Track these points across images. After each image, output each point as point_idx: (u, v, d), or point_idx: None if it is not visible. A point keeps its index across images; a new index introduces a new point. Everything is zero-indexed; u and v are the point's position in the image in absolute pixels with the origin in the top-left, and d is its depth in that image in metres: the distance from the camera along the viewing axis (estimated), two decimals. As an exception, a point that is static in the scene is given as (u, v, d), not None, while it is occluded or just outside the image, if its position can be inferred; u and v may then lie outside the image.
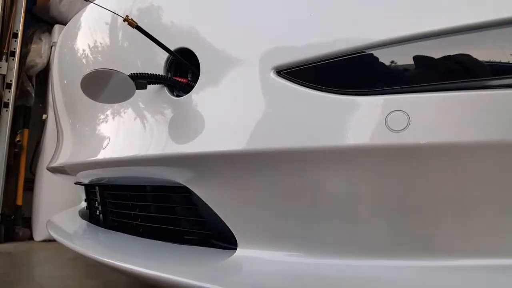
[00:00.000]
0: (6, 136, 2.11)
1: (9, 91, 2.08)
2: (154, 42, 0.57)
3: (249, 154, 0.49)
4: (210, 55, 0.56)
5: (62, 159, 0.89)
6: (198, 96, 0.55)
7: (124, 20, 0.55)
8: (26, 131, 2.31)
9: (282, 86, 0.48)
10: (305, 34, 0.49)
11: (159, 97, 0.62)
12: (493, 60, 0.42)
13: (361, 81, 0.46)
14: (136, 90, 0.56)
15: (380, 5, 0.46)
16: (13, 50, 2.14)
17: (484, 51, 0.43)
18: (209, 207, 0.58)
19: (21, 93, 2.22)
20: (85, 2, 0.84)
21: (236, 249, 0.56)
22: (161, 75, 0.60)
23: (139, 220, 0.82)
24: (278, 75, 0.49)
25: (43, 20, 2.61)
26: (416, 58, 0.44)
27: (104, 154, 0.69)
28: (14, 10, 2.24)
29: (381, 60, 0.45)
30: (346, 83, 0.47)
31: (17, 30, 2.21)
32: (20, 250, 2.07)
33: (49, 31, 2.46)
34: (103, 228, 0.97)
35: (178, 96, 0.60)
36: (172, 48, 0.58)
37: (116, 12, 0.66)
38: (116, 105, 0.71)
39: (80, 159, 0.78)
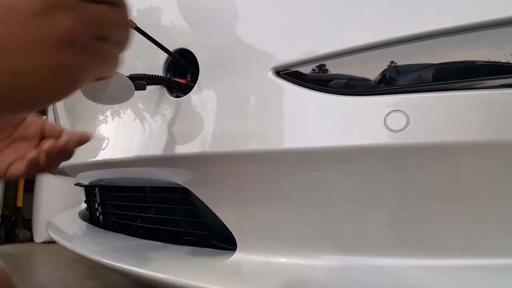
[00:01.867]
0: (6, 137, 2.11)
1: (9, 93, 2.08)
2: (153, 43, 0.57)
3: (248, 155, 0.49)
4: (209, 55, 0.56)
5: (61, 161, 0.89)
6: (197, 96, 0.55)
7: (123, 21, 0.55)
8: (26, 133, 2.31)
9: (281, 87, 0.48)
10: (304, 35, 0.49)
11: (158, 98, 0.62)
12: (493, 60, 0.42)
13: (360, 81, 0.46)
14: (135, 91, 0.56)
15: (379, 5, 0.46)
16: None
17: (484, 51, 0.43)
18: (208, 208, 0.58)
19: (21, 94, 2.22)
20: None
21: (235, 250, 0.56)
22: (160, 76, 0.60)
23: (139, 221, 0.82)
24: (277, 75, 0.49)
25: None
26: (415, 58, 0.44)
27: (103, 155, 0.69)
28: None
29: (380, 60, 0.45)
30: (345, 83, 0.47)
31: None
32: (20, 251, 2.07)
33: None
34: (103, 229, 0.97)
35: (177, 96, 0.60)
36: (171, 49, 0.58)
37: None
38: (115, 106, 0.71)
39: (80, 160, 0.78)
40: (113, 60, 0.30)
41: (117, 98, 0.58)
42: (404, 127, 0.41)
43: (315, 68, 0.48)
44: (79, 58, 0.27)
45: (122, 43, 0.29)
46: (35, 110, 0.28)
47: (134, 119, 0.64)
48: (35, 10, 0.24)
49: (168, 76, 0.61)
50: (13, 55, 0.24)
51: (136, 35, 0.56)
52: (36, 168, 0.43)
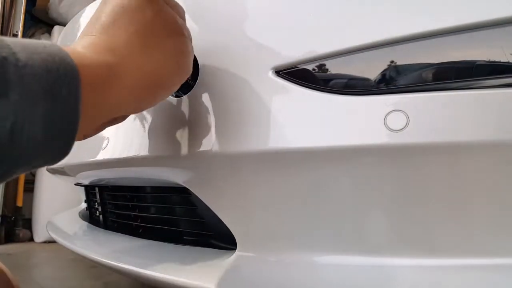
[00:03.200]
0: (6, 137, 2.11)
1: (9, 93, 2.08)
2: (153, 43, 0.57)
3: (247, 155, 0.49)
4: (209, 55, 0.56)
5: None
6: (197, 96, 0.55)
7: (123, 21, 0.55)
8: (26, 132, 2.31)
9: (281, 86, 0.48)
10: (304, 34, 0.49)
11: (158, 98, 0.62)
12: (493, 60, 0.42)
13: (360, 80, 0.46)
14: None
15: (379, 5, 0.46)
16: (12, 51, 2.14)
17: (484, 50, 0.43)
18: (208, 207, 0.58)
19: (21, 94, 2.22)
20: (85, 3, 0.84)
21: (235, 250, 0.56)
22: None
23: (139, 221, 0.82)
24: (277, 75, 0.49)
25: (43, 21, 2.61)
26: (415, 58, 0.44)
27: (103, 154, 0.69)
28: (14, 11, 2.24)
29: (380, 59, 0.45)
30: (345, 83, 0.47)
31: (16, 31, 2.22)
32: (20, 251, 2.08)
33: (49, 32, 2.46)
34: (103, 229, 0.97)
35: (177, 96, 0.60)
36: (171, 48, 0.58)
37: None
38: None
39: (80, 160, 0.78)
40: None
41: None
42: (404, 127, 0.41)
43: (315, 68, 0.48)
44: (190, 44, 0.41)
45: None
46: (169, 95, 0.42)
47: (134, 119, 0.64)
48: (154, 15, 0.36)
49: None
50: (155, 49, 0.35)
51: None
52: None
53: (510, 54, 0.41)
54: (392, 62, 0.45)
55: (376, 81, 0.45)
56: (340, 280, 0.47)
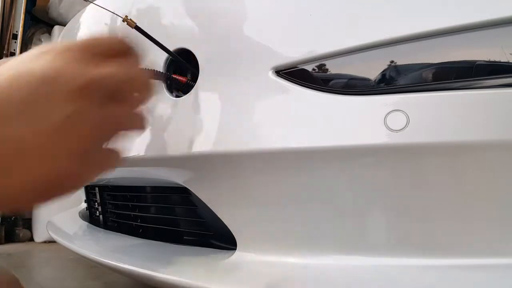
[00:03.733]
0: (6, 137, 2.11)
1: (9, 93, 2.08)
2: (153, 42, 0.57)
3: (248, 155, 0.49)
4: (209, 55, 0.56)
5: (61, 160, 0.89)
6: (197, 96, 0.55)
7: (123, 21, 0.55)
8: (26, 133, 2.31)
9: (281, 86, 0.48)
10: (304, 34, 0.49)
11: (158, 98, 0.62)
12: (493, 60, 0.42)
13: (361, 80, 0.46)
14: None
15: (379, 5, 0.46)
16: (12, 51, 2.14)
17: (484, 50, 0.43)
18: (208, 207, 0.58)
19: (21, 94, 2.22)
20: (85, 2, 0.84)
21: (235, 249, 0.56)
22: (166, 72, 0.60)
23: (139, 221, 0.82)
24: (277, 75, 0.49)
25: (43, 21, 2.61)
26: (415, 58, 0.44)
27: (103, 155, 0.69)
28: (14, 11, 2.24)
29: (380, 59, 0.45)
30: (345, 83, 0.47)
31: (16, 31, 2.21)
32: (20, 251, 2.07)
33: (49, 32, 2.46)
34: (103, 229, 0.97)
35: (177, 96, 0.60)
36: (171, 48, 0.58)
37: (116, 13, 0.66)
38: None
39: (80, 160, 0.78)
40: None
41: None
42: (404, 127, 0.41)
43: (316, 68, 0.48)
44: (86, 167, 0.27)
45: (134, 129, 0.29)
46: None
47: (134, 119, 0.64)
48: (55, 124, 0.23)
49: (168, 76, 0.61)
50: (33, 162, 0.23)
51: (136, 35, 0.56)
52: None
53: (510, 54, 0.41)
54: (392, 62, 0.45)
55: (376, 81, 0.45)
56: (340, 280, 0.47)
